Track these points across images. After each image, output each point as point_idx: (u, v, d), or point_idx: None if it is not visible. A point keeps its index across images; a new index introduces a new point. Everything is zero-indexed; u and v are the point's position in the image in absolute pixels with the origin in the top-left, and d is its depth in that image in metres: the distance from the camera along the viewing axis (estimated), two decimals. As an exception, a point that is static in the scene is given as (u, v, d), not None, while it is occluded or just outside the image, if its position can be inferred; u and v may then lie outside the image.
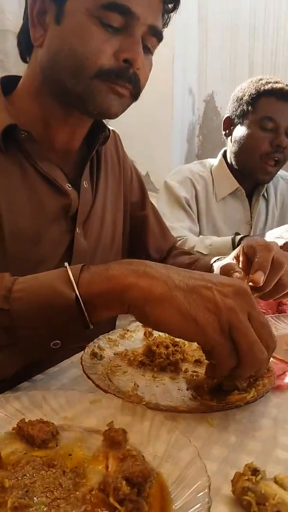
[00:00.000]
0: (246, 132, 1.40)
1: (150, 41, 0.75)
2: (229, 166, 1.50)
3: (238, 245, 1.08)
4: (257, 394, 0.55)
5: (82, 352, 0.64)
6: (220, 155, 1.53)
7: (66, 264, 0.52)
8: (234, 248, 1.12)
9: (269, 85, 1.36)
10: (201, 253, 1.19)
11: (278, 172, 1.59)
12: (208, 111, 2.72)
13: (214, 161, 1.55)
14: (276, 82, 1.37)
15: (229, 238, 1.19)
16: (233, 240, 1.17)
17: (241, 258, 0.75)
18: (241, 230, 1.49)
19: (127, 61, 0.71)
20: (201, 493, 0.39)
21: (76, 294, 0.49)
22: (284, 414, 0.55)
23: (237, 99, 1.43)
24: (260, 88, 1.37)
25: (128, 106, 0.78)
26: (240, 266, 0.74)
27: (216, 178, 1.50)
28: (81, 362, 0.60)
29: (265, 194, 1.55)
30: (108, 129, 0.90)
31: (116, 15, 0.69)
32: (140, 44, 0.71)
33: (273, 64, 2.55)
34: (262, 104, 1.37)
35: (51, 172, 0.79)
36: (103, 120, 0.89)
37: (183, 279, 0.49)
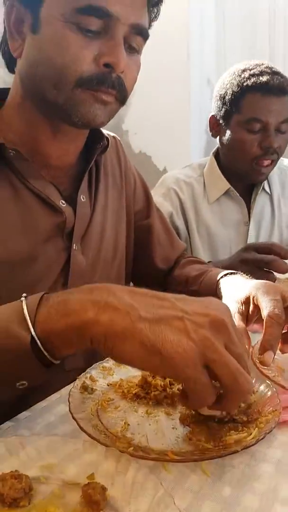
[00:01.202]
0: (232, 135, 1.27)
1: (135, 41, 0.70)
2: (221, 165, 1.39)
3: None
4: (259, 434, 0.50)
5: (72, 384, 0.60)
6: (211, 155, 1.43)
7: (24, 295, 0.48)
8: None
9: (253, 79, 1.21)
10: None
11: (286, 164, 1.49)
12: (228, 101, 2.62)
13: (207, 161, 1.44)
14: (261, 73, 1.22)
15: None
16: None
17: (251, 307, 0.68)
18: (239, 232, 1.40)
19: (108, 65, 0.66)
20: None
21: (32, 335, 0.44)
22: (289, 457, 0.50)
23: (220, 97, 1.30)
24: (243, 84, 1.22)
25: (116, 112, 0.74)
26: (250, 309, 0.68)
27: (208, 179, 1.40)
28: (68, 399, 0.56)
29: (267, 189, 1.43)
30: (107, 137, 0.85)
31: (93, 18, 0.64)
32: (121, 46, 0.66)
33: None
34: (247, 103, 1.22)
35: (44, 189, 0.75)
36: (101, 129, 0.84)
37: (150, 308, 0.44)
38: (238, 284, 0.75)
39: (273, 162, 1.29)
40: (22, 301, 0.47)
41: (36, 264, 0.75)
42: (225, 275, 0.83)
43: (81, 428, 0.51)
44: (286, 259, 0.93)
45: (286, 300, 0.63)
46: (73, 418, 0.52)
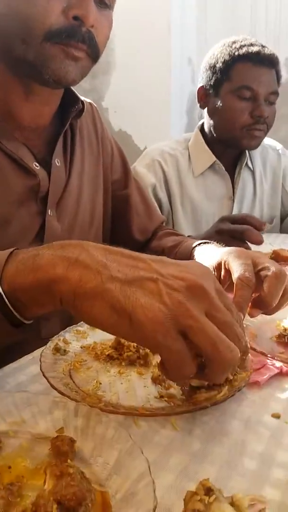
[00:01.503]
0: (223, 103, 1.29)
1: None
2: (206, 139, 1.41)
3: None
4: (228, 392, 0.50)
5: (44, 347, 0.59)
6: (196, 129, 1.44)
7: None
8: None
9: (244, 49, 1.24)
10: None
11: (267, 142, 1.51)
12: (209, 81, 2.61)
13: (192, 135, 1.46)
14: (251, 45, 1.25)
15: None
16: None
17: (222, 272, 0.67)
18: (223, 206, 1.42)
19: (78, 18, 0.65)
20: (146, 516, 0.35)
21: None
22: (258, 415, 0.51)
23: (209, 67, 1.31)
24: (234, 53, 1.25)
25: (88, 69, 0.72)
26: (222, 274, 0.68)
27: (193, 153, 1.41)
28: (40, 359, 0.55)
29: (250, 165, 1.45)
30: (82, 101, 0.84)
31: None
32: None
33: (276, 29, 2.43)
34: (238, 72, 1.25)
35: (17, 151, 0.73)
36: (74, 91, 0.82)
37: (123, 268, 0.41)
38: (211, 251, 0.75)
39: (264, 132, 1.32)
40: None
41: (10, 227, 0.73)
42: (199, 244, 0.83)
43: (51, 385, 0.50)
44: (261, 231, 0.93)
45: (257, 265, 0.63)
46: (44, 376, 0.52)
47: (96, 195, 0.90)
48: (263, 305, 0.61)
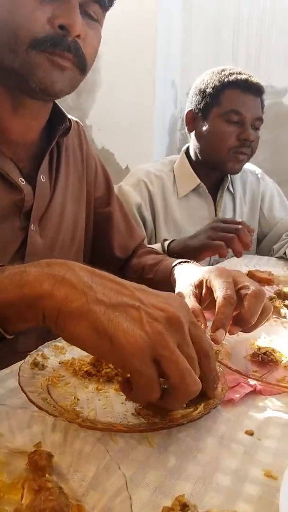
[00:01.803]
0: (211, 126, 1.36)
1: (93, 8, 0.70)
2: (191, 162, 1.47)
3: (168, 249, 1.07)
4: (204, 409, 0.52)
5: (23, 361, 0.60)
6: (182, 152, 1.50)
7: None
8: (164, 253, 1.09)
9: (233, 76, 1.32)
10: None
11: (247, 167, 1.58)
12: (191, 104, 2.67)
13: (177, 158, 1.52)
14: (240, 73, 1.33)
15: (159, 245, 1.16)
16: (162, 245, 1.14)
17: (203, 290, 0.69)
18: None
19: (64, 28, 0.66)
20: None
21: None
22: (232, 432, 0.52)
23: (199, 92, 1.38)
24: (223, 80, 1.32)
25: (77, 81, 0.73)
26: (203, 292, 0.70)
27: (178, 175, 1.47)
28: (18, 373, 0.56)
29: (231, 188, 1.52)
30: (70, 120, 0.86)
31: None
32: (76, 9, 0.67)
33: (257, 57, 2.52)
34: (227, 97, 1.32)
35: (3, 166, 0.74)
36: (62, 108, 0.84)
37: (108, 292, 0.44)
38: (192, 269, 0.78)
39: (248, 156, 1.38)
40: None
41: None
42: (179, 263, 0.85)
43: (30, 400, 0.51)
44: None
45: (237, 283, 0.66)
46: (23, 390, 0.52)
47: (79, 212, 0.92)
48: (242, 323, 0.63)
